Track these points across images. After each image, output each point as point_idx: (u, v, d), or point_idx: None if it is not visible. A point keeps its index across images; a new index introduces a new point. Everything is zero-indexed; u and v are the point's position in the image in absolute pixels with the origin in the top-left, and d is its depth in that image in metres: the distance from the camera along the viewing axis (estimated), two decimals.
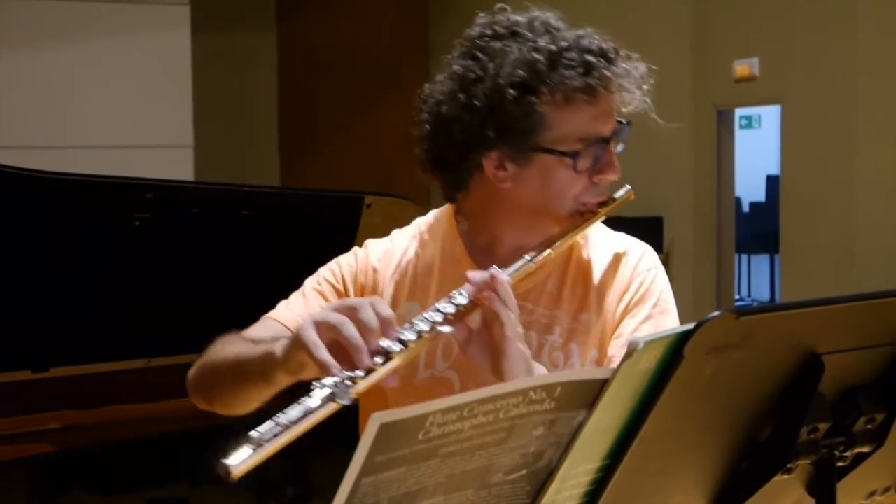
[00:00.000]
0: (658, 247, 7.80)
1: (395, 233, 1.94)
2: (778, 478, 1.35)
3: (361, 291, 1.86)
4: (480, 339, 1.63)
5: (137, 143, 6.53)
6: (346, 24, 9.14)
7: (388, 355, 1.55)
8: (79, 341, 3.48)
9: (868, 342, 1.35)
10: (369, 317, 1.54)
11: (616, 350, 1.79)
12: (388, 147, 8.15)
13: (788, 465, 1.34)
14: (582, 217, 1.78)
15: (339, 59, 9.10)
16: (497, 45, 1.75)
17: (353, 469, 1.12)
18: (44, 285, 3.40)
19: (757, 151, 11.30)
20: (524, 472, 1.25)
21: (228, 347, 1.77)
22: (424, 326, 1.59)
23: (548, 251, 1.75)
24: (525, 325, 1.77)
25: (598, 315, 1.81)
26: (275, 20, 9.72)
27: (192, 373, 1.83)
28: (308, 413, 1.47)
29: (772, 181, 11.06)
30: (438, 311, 1.62)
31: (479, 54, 1.75)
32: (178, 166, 6.52)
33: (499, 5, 1.84)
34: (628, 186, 1.84)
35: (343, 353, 1.53)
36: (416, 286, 1.85)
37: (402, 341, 1.56)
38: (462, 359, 1.74)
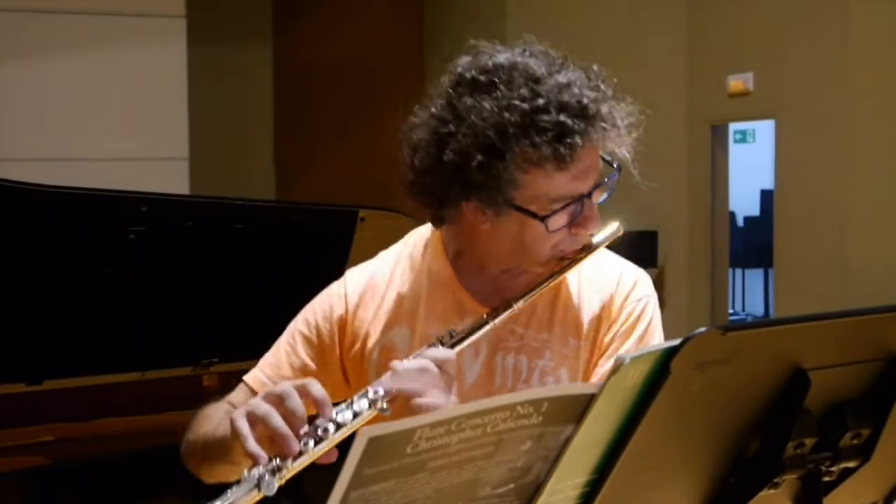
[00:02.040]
0: (652, 261, 7.81)
1: (381, 255, 1.94)
2: (765, 492, 1.36)
3: (341, 334, 1.87)
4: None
5: (133, 155, 6.53)
6: (342, 37, 9.15)
7: (321, 437, 1.58)
8: (73, 354, 3.48)
9: (854, 358, 1.36)
10: (295, 405, 1.57)
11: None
12: (384, 160, 8.09)
13: (775, 480, 1.35)
14: (560, 263, 1.76)
15: (334, 71, 9.11)
16: (470, 100, 1.68)
17: (342, 482, 1.13)
18: (38, 298, 3.40)
19: (751, 166, 11.31)
20: (512, 486, 1.26)
21: (201, 427, 1.83)
22: (363, 405, 1.62)
23: (511, 309, 1.73)
24: (516, 350, 1.79)
25: (587, 342, 1.81)
26: (270, 33, 9.73)
27: (182, 447, 1.88)
28: None
29: (766, 196, 11.08)
30: (379, 388, 1.63)
31: (456, 104, 1.69)
32: (174, 179, 6.52)
33: (483, 43, 1.76)
34: (617, 225, 1.80)
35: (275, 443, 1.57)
36: (402, 311, 1.85)
37: (336, 423, 1.59)
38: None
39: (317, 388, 1.59)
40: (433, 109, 1.73)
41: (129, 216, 3.50)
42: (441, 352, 1.67)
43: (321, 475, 1.90)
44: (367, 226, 3.84)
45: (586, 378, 1.80)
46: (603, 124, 1.67)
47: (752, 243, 10.60)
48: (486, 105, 1.66)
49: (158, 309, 3.60)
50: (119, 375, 3.53)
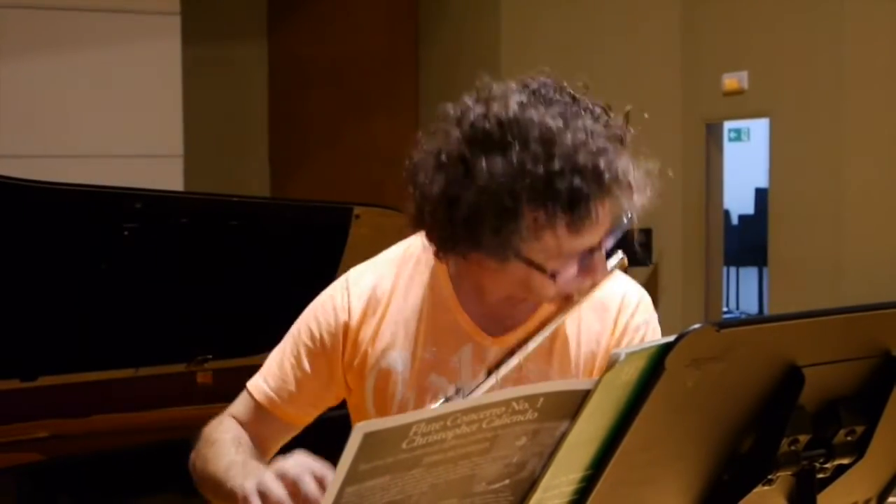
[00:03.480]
0: (647, 258, 7.81)
1: (381, 262, 1.89)
2: (759, 489, 1.36)
3: (343, 347, 1.84)
4: None
5: (127, 152, 6.53)
6: (337, 36, 9.14)
7: None
8: (67, 350, 3.48)
9: (848, 355, 1.36)
10: (311, 490, 1.51)
11: None
12: (378, 158, 8.16)
13: (769, 477, 1.35)
14: (566, 302, 1.72)
15: (329, 70, 9.10)
16: (484, 161, 1.62)
17: (338, 478, 1.13)
18: (32, 294, 3.40)
19: (746, 164, 11.33)
20: (507, 481, 1.26)
21: (210, 462, 1.79)
22: None
23: (516, 361, 1.69)
24: (514, 381, 1.72)
25: (588, 374, 1.78)
26: (265, 31, 9.72)
27: (191, 464, 1.85)
28: None
29: (760, 194, 11.09)
30: None
31: (468, 163, 1.64)
32: (168, 176, 6.52)
33: (492, 85, 1.68)
34: (620, 254, 1.75)
35: None
36: (401, 333, 1.82)
37: None
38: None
39: (330, 473, 1.53)
40: (443, 158, 1.67)
41: (123, 213, 3.49)
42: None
43: None
44: (362, 223, 3.82)
45: None
46: (617, 190, 1.64)
47: (747, 241, 10.61)
48: (500, 167, 1.61)
49: (153, 305, 3.60)
50: (113, 372, 3.52)
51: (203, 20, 8.37)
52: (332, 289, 1.88)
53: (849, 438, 1.40)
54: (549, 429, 1.23)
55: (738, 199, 11.25)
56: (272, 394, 1.85)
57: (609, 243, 1.72)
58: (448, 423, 1.16)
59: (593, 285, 1.72)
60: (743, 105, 7.43)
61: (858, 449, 1.41)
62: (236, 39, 9.49)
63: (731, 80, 7.40)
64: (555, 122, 1.63)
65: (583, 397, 1.22)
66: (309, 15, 9.37)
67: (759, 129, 10.76)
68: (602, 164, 1.61)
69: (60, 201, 3.44)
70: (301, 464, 1.53)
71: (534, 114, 1.63)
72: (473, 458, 1.21)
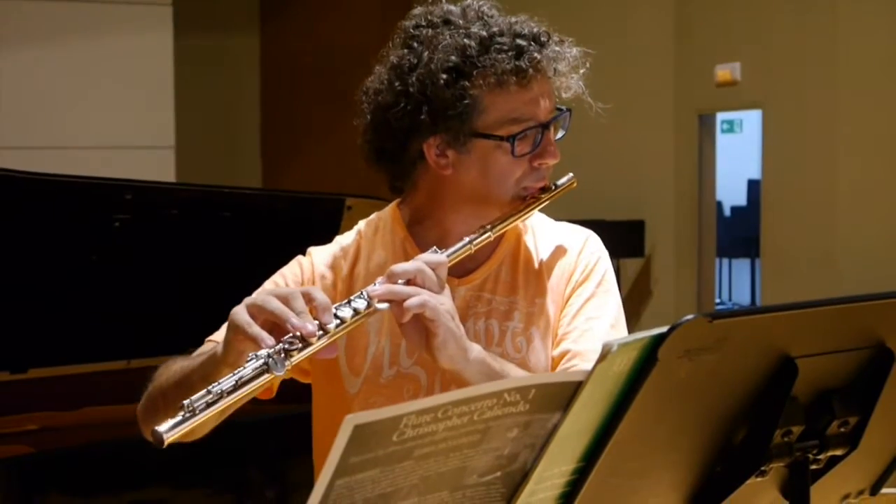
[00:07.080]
0: (639, 250, 7.82)
1: (338, 238, 1.95)
2: (752, 480, 1.36)
3: None
4: (415, 317, 1.65)
5: (119, 143, 6.51)
6: (330, 27, 9.13)
7: (324, 330, 1.59)
8: (58, 342, 3.47)
9: (841, 346, 1.36)
10: (299, 306, 1.58)
11: (564, 328, 1.83)
12: None
13: (762, 468, 1.35)
14: (524, 202, 1.81)
15: (322, 61, 9.09)
16: (430, 32, 1.78)
17: (328, 470, 1.13)
18: (22, 286, 3.39)
19: (738, 156, 11.34)
20: (499, 473, 1.25)
21: (170, 368, 1.79)
22: (361, 304, 1.64)
23: (487, 234, 1.77)
24: (485, 315, 1.83)
25: (552, 297, 1.85)
26: (258, 22, 9.70)
27: (140, 405, 1.82)
28: (240, 383, 1.50)
29: (753, 185, 11.10)
30: (376, 288, 1.66)
31: (413, 43, 1.79)
32: (160, 168, 6.50)
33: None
34: (571, 174, 1.87)
35: (280, 331, 1.57)
36: (368, 285, 1.81)
37: (338, 317, 1.61)
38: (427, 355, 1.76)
39: (320, 295, 1.61)
40: (391, 57, 1.83)
41: (113, 204, 3.48)
42: (434, 255, 1.71)
43: (306, 463, 1.90)
44: (353, 214, 3.82)
45: (555, 334, 1.84)
46: (556, 48, 1.79)
47: (739, 233, 10.63)
48: (446, 34, 1.76)
49: (144, 297, 3.59)
50: (105, 364, 3.51)
51: (195, 11, 8.35)
52: (296, 258, 1.93)
53: (842, 430, 1.39)
54: (541, 420, 1.23)
55: (730, 191, 11.25)
56: None
57: (558, 133, 1.83)
58: (439, 414, 1.15)
59: (548, 189, 1.82)
60: (736, 96, 7.44)
61: (852, 440, 1.41)
62: (229, 31, 9.48)
63: (723, 72, 7.40)
64: (491, 10, 1.82)
65: (575, 388, 1.21)
66: (302, 7, 9.35)
67: (751, 120, 10.76)
68: (537, 30, 1.79)
69: (50, 192, 3.43)
70: (290, 288, 1.64)
71: (473, 3, 1.82)
72: (465, 451, 1.20)
